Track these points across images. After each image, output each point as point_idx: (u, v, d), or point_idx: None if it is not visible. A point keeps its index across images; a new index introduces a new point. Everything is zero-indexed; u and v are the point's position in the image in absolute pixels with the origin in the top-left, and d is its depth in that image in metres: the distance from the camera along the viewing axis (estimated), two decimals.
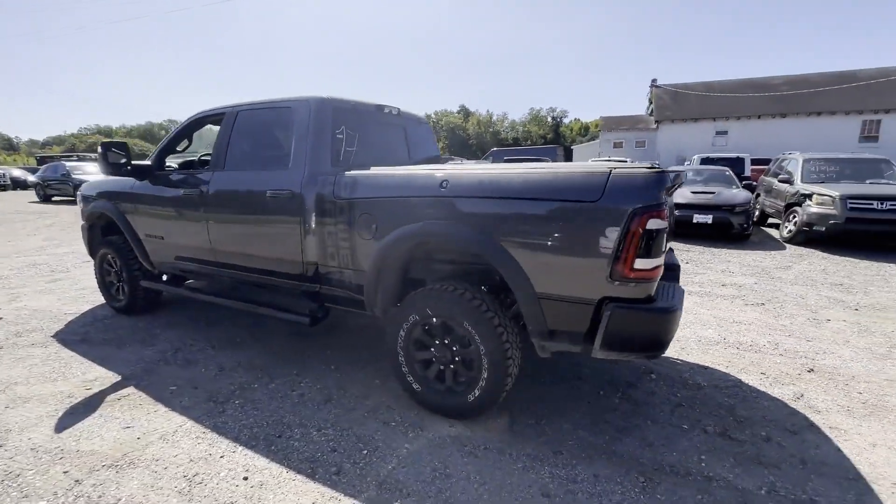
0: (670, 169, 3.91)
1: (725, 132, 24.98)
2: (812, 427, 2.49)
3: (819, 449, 2.30)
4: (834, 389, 2.91)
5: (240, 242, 3.26)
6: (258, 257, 3.19)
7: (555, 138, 70.66)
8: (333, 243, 2.79)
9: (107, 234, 4.49)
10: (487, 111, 73.92)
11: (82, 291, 5.10)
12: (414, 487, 2.02)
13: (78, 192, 4.57)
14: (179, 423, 2.52)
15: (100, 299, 4.74)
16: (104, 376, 3.08)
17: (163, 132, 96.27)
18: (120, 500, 1.94)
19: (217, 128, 3.93)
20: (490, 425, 2.49)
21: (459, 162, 9.07)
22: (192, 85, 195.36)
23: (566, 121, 76.33)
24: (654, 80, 29.90)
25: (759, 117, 24.19)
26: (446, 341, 2.50)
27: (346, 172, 2.76)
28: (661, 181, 1.95)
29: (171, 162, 4.10)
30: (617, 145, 28.45)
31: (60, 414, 2.61)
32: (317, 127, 2.92)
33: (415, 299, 2.53)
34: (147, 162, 3.76)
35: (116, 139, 3.78)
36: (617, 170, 2.00)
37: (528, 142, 69.19)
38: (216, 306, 4.46)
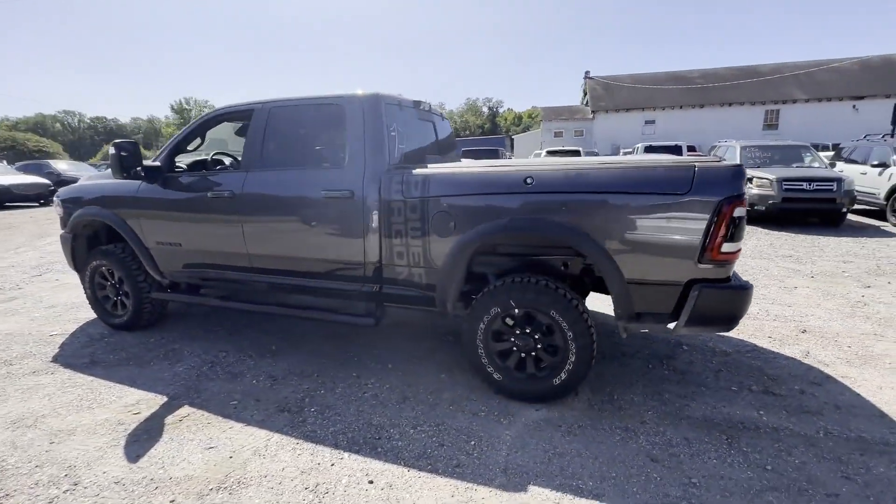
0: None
1: (653, 121, 27.11)
2: (829, 378, 2.95)
3: (843, 395, 2.74)
4: (829, 346, 3.43)
5: (285, 246, 3.12)
6: (309, 260, 3.09)
7: (492, 128, 72.25)
8: (402, 242, 2.79)
9: (94, 244, 4.06)
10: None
11: (54, 309, 4.55)
12: (537, 469, 2.14)
13: (56, 198, 4.05)
14: (265, 437, 2.42)
15: (83, 316, 4.28)
16: (146, 398, 2.84)
17: (57, 124, 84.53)
18: None
19: (230, 125, 3.71)
20: (572, 405, 2.67)
21: None
22: (92, 71, 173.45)
23: (501, 110, 78.17)
24: (587, 72, 31.61)
25: (680, 107, 26.50)
26: (527, 330, 2.62)
27: (414, 170, 2.76)
28: (741, 174, 2.21)
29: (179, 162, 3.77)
30: (557, 134, 29.81)
31: (123, 443, 2.40)
32: (373, 125, 2.88)
33: (497, 292, 2.62)
34: (155, 163, 3.44)
35: (124, 139, 3.38)
36: (701, 165, 2.23)
37: (467, 132, 70.11)
38: (227, 314, 4.23)
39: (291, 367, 3.21)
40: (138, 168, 3.27)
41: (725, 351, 3.37)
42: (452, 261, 2.67)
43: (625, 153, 15.95)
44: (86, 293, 4.00)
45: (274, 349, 3.53)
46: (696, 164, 2.25)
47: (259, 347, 3.55)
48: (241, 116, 3.40)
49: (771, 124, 25.49)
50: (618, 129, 27.29)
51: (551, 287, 2.52)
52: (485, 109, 76.50)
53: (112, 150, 3.15)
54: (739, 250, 2.28)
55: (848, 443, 2.29)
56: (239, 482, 2.09)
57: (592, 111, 28.21)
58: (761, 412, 2.57)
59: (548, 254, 2.76)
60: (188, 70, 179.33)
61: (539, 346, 2.62)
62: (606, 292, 2.80)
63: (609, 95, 28.80)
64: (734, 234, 2.20)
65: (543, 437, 2.38)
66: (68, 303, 4.76)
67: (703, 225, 2.19)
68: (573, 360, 2.52)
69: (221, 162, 3.92)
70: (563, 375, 2.56)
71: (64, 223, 3.98)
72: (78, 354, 3.50)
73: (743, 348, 3.42)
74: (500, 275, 2.86)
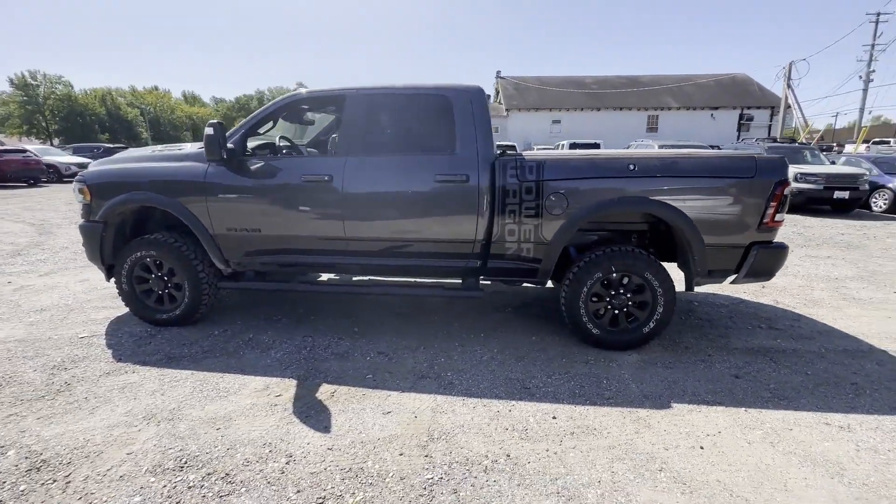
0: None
1: (559, 121, 29.81)
2: (801, 316, 4.02)
3: (816, 326, 3.80)
4: (785, 296, 4.59)
5: (390, 228, 3.27)
6: (415, 240, 3.29)
7: None
8: (515, 220, 3.16)
9: (133, 233, 3.70)
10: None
11: (47, 312, 3.97)
12: (665, 393, 2.73)
13: (79, 183, 3.56)
14: (431, 399, 2.65)
15: (95, 317, 3.86)
16: (273, 383, 2.83)
17: None
18: (507, 455, 2.16)
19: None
20: (653, 350, 3.31)
21: None
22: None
23: None
24: (498, 72, 33.46)
25: (582, 110, 29.55)
26: (621, 290, 3.20)
27: (526, 156, 3.15)
28: (786, 164, 3.02)
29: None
30: None
31: (297, 419, 2.44)
32: (482, 115, 3.19)
33: (599, 260, 3.14)
34: (229, 146, 3.30)
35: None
36: (759, 156, 3.00)
37: None
38: (275, 303, 4.15)
39: (392, 344, 3.38)
40: (223, 151, 3.13)
41: (724, 304, 4.33)
42: (561, 236, 3.13)
43: (539, 149, 17.49)
44: (120, 288, 3.62)
45: (356, 331, 3.64)
46: (755, 155, 3.01)
47: (340, 331, 3.62)
48: (328, 102, 3.41)
49: (652, 127, 29.77)
50: (529, 127, 29.53)
51: (644, 253, 3.13)
52: None
53: (209, 131, 2.99)
54: (784, 220, 3.11)
55: (840, 353, 3.27)
56: (444, 433, 2.33)
57: (507, 109, 30.08)
58: (777, 340, 3.49)
59: (634, 227, 3.36)
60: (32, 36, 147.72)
61: (630, 302, 3.21)
62: (670, 259, 3.51)
63: (520, 95, 30.95)
64: (782, 208, 3.01)
65: (651, 372, 2.98)
66: (59, 304, 4.18)
67: (763, 201, 2.96)
68: (661, 310, 3.16)
69: (295, 146, 3.84)
70: (652, 324, 3.19)
71: (90, 211, 3.54)
72: (143, 352, 3.22)
73: (734, 301, 4.42)
74: (585, 248, 3.40)
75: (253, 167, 3.34)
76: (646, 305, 3.20)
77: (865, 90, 32.73)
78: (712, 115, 29.09)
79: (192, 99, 75.84)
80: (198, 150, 3.48)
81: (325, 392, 2.73)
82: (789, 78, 25.68)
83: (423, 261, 3.36)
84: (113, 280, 3.65)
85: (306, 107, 3.67)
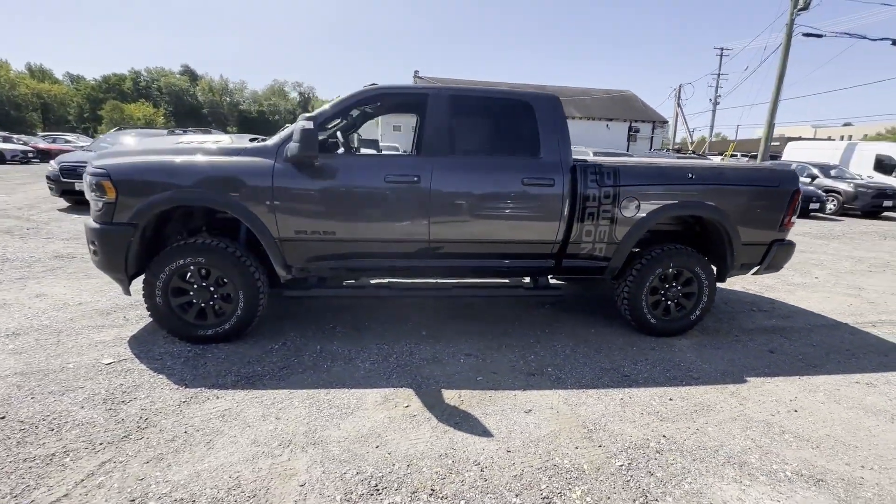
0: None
1: None
2: (776, 300, 4.91)
3: (793, 307, 4.68)
4: (753, 285, 5.53)
5: (476, 230, 3.28)
6: (498, 242, 3.34)
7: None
8: (592, 222, 3.40)
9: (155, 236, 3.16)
10: (221, 76, 64.24)
11: (46, 335, 3.21)
12: (732, 369, 3.19)
13: (93, 177, 2.92)
14: (554, 394, 2.76)
15: (99, 338, 3.26)
16: (389, 395, 2.69)
17: None
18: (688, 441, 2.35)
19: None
20: (696, 334, 3.81)
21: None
22: None
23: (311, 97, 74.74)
24: (416, 72, 33.61)
25: None
26: (673, 283, 3.63)
27: (602, 162, 3.40)
28: (797, 176, 3.70)
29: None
30: (396, 129, 30.90)
31: (452, 429, 2.37)
32: (562, 121, 3.38)
33: (661, 257, 3.53)
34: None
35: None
36: (781, 169, 3.63)
37: (277, 116, 64.70)
38: (320, 310, 3.89)
39: (472, 345, 3.40)
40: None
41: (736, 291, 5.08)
42: (632, 236, 3.45)
43: None
44: (152, 303, 3.08)
45: (424, 334, 3.57)
46: (777, 168, 3.64)
47: (409, 336, 3.52)
48: (408, 99, 3.27)
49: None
50: None
51: (694, 251, 3.59)
52: (295, 94, 71.81)
53: (308, 125, 2.69)
54: (795, 221, 3.80)
55: (821, 328, 4.10)
56: (596, 424, 2.47)
57: None
58: (773, 320, 4.24)
59: (684, 228, 3.81)
60: None
61: (681, 293, 3.66)
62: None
63: None
64: (795, 212, 3.69)
65: (708, 353, 3.45)
66: (34, 327, 3.39)
67: (784, 205, 3.60)
68: (705, 300, 3.66)
69: (375, 143, 3.58)
70: (698, 312, 3.68)
71: (114, 210, 2.95)
72: (208, 375, 2.81)
73: (725, 290, 5.20)
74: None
75: (330, 166, 3.09)
76: (692, 296, 3.67)
77: (714, 111, 39.65)
78: (608, 125, 32.68)
79: (40, 73, 63.03)
80: (259, 145, 3.13)
81: (451, 398, 2.68)
82: (679, 97, 30.03)
83: (501, 262, 3.44)
84: (132, 294, 3.09)
85: (381, 103, 3.48)
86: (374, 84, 3.34)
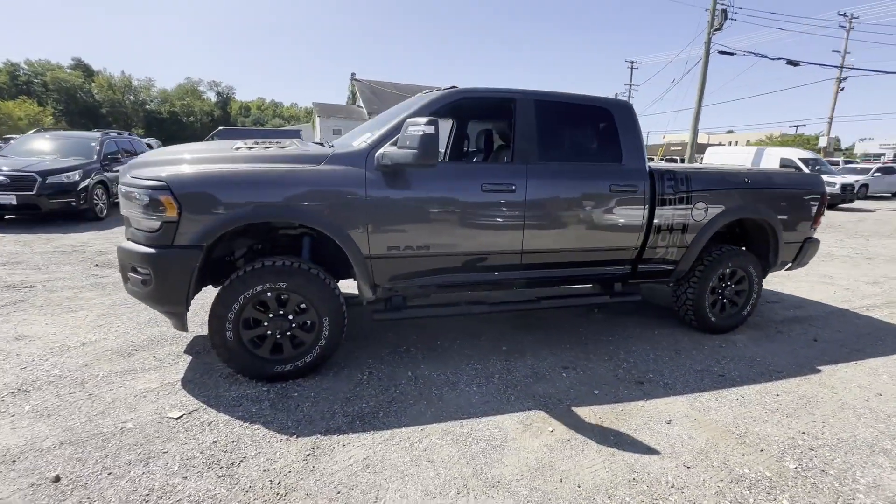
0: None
1: None
2: (778, 292, 5.39)
3: (774, 294, 5.17)
4: None
5: (566, 239, 3.19)
6: (586, 250, 3.28)
7: (224, 116, 63.87)
8: (668, 227, 3.46)
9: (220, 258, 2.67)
10: (123, 72, 57.49)
11: (65, 387, 2.56)
12: (799, 361, 3.42)
13: (149, 189, 2.36)
14: (687, 400, 2.76)
15: (156, 382, 2.70)
16: (525, 419, 2.51)
17: None
18: None
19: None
20: (744, 328, 4.04)
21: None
22: None
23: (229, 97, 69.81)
24: (353, 74, 32.84)
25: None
26: (729, 282, 3.83)
27: (675, 169, 3.48)
28: (823, 180, 4.08)
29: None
30: (336, 132, 29.78)
31: (619, 449, 2.26)
32: (638, 126, 3.40)
33: (722, 258, 3.69)
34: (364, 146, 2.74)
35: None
36: (813, 174, 3.99)
37: (191, 117, 59.49)
38: (375, 327, 3.58)
39: (562, 356, 3.30)
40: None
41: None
42: (700, 239, 3.57)
43: None
44: (221, 339, 2.58)
45: (505, 349, 3.41)
46: (810, 173, 3.99)
47: (492, 352, 3.33)
48: (493, 104, 3.08)
49: None
50: None
51: (747, 251, 3.82)
52: (211, 94, 66.46)
53: (430, 130, 2.40)
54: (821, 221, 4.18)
55: (831, 315, 4.56)
56: (740, 429, 2.49)
57: (369, 113, 29.65)
58: (790, 311, 4.64)
59: (727, 230, 4.02)
60: None
61: (735, 292, 3.87)
62: None
63: (378, 100, 30.91)
64: (823, 212, 4.07)
65: (767, 346, 3.67)
66: (40, 378, 2.71)
67: (816, 206, 3.95)
68: (755, 297, 3.90)
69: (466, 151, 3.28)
70: (749, 308, 3.91)
71: (175, 231, 2.43)
72: (311, 419, 2.41)
73: None
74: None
75: (424, 174, 2.82)
76: (743, 293, 3.90)
77: None
78: None
79: None
80: (345, 152, 2.77)
81: (588, 416, 2.56)
82: None
83: (586, 269, 3.38)
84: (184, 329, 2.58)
85: (474, 105, 3.25)
86: (454, 86, 3.12)
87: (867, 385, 3.05)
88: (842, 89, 27.68)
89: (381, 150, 2.73)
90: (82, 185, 7.80)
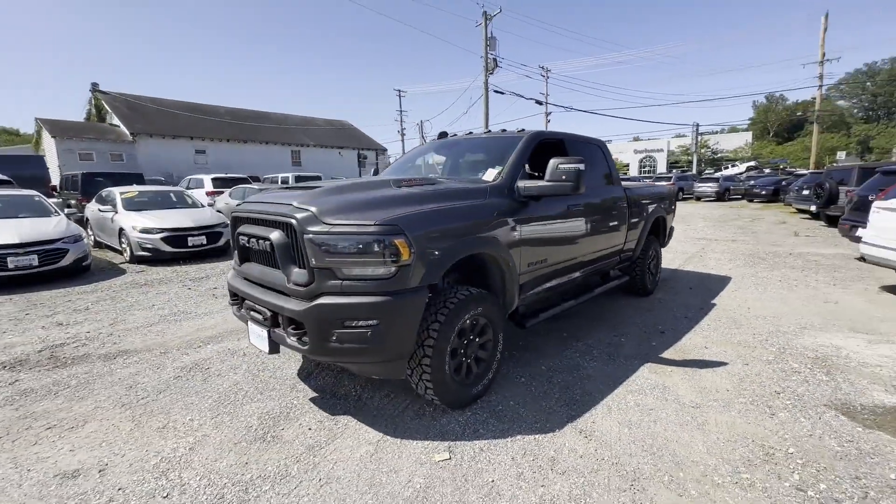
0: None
1: (204, 151, 27.07)
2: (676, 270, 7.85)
3: (691, 276, 7.67)
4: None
5: (599, 243, 4.28)
6: (598, 251, 4.45)
7: None
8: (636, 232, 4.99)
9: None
10: None
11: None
12: (697, 300, 5.48)
13: (371, 234, 2.23)
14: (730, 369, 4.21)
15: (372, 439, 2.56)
16: (698, 400, 3.47)
17: None
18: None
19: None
20: (659, 291, 5.99)
21: None
22: None
23: None
24: (95, 84, 26.46)
25: (228, 141, 28.09)
26: (652, 259, 5.70)
27: (629, 186, 5.03)
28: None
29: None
30: (86, 157, 22.70)
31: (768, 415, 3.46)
32: (611, 158, 4.80)
33: (649, 243, 5.49)
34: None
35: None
36: (665, 184, 6.25)
37: None
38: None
39: (626, 339, 4.37)
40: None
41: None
42: (643, 234, 5.26)
43: (261, 187, 15.85)
44: (440, 375, 2.61)
45: (566, 335, 4.27)
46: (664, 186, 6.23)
47: (561, 345, 4.15)
48: (577, 146, 3.94)
49: (297, 161, 32.21)
50: (168, 156, 25.11)
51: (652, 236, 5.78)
52: None
53: (581, 167, 3.01)
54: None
55: (666, 278, 7.11)
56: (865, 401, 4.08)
57: (132, 134, 24.07)
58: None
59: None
60: None
61: (649, 267, 5.76)
62: None
63: (143, 118, 25.58)
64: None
65: (686, 299, 5.66)
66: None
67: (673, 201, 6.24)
68: (659, 265, 5.90)
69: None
70: (658, 273, 5.88)
71: (408, 274, 2.39)
72: (543, 428, 2.78)
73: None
74: None
75: (552, 199, 3.49)
76: (658, 265, 5.83)
77: (402, 142, 49.00)
78: (340, 152, 34.84)
79: None
80: (496, 184, 3.16)
81: (719, 390, 3.71)
82: (422, 131, 35.80)
83: (601, 265, 4.58)
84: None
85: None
86: (523, 129, 3.81)
87: (742, 303, 5.23)
88: (549, 122, 38.34)
89: (521, 183, 3.22)
90: None
